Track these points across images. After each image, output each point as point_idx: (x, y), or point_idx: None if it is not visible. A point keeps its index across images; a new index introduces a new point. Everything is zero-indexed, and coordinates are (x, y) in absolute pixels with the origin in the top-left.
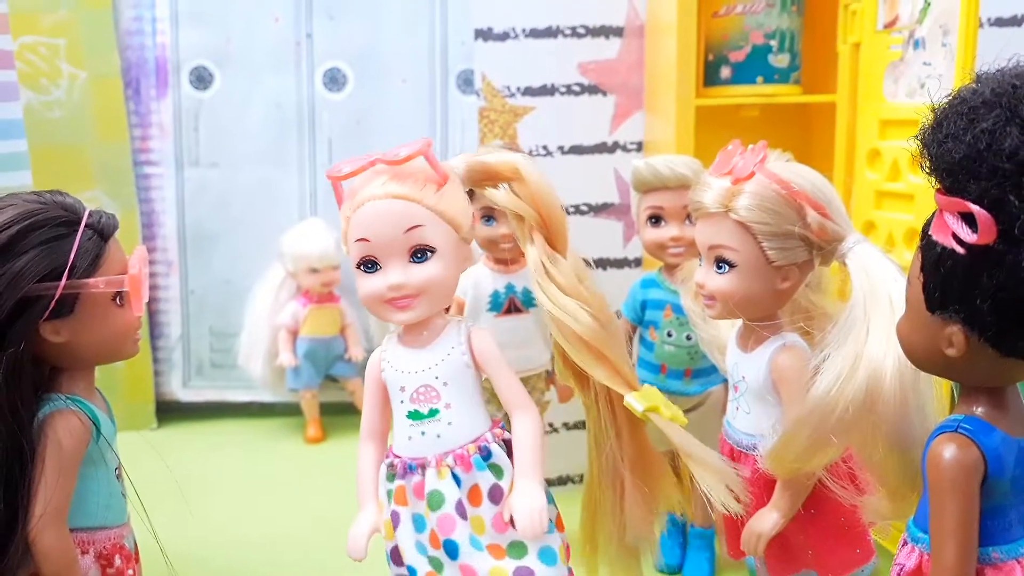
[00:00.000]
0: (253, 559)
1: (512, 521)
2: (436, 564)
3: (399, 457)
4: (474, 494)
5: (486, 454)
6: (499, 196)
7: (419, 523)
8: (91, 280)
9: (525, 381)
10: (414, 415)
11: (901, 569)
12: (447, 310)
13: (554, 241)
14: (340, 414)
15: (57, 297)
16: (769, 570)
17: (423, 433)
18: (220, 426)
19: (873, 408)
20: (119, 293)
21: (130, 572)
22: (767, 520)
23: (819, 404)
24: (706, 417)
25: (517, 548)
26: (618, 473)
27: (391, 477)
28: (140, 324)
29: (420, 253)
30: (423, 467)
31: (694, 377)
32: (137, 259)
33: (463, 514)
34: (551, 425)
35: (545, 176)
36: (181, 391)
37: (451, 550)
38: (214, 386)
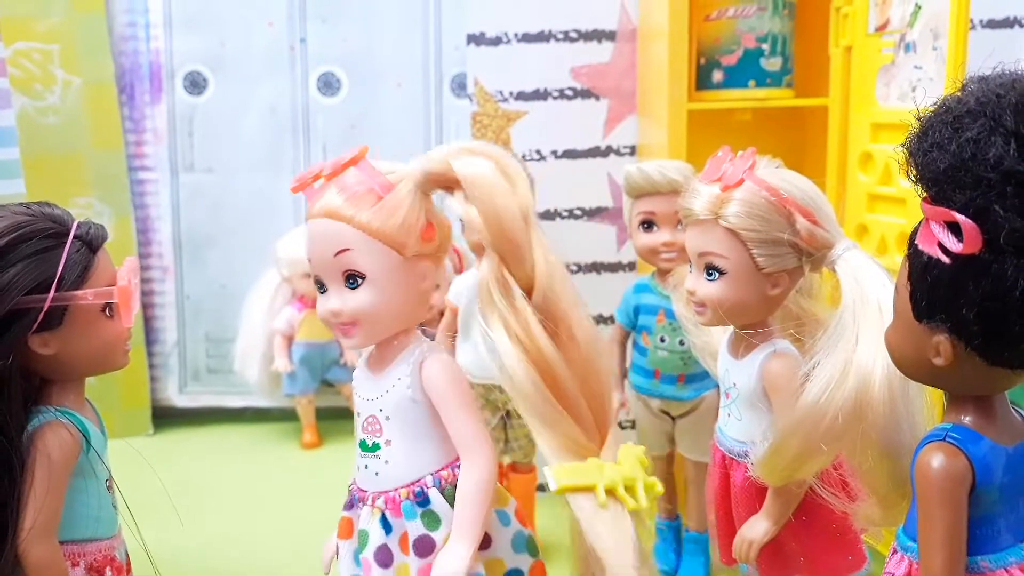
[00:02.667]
0: (249, 565)
1: None
2: None
3: (355, 484)
4: (403, 541)
5: (422, 500)
6: (455, 204)
7: (356, 558)
8: (80, 292)
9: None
10: (363, 445)
11: None
12: (441, 314)
13: (510, 267)
14: (336, 419)
15: (45, 309)
16: None
17: (366, 466)
18: (216, 432)
19: (863, 416)
20: (108, 304)
21: None
22: (759, 527)
23: (809, 412)
24: (699, 423)
25: None
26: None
27: (348, 505)
28: (130, 335)
29: (351, 279)
30: (363, 502)
31: (687, 382)
32: (126, 270)
33: (384, 561)
34: None
35: (506, 191)
36: (177, 397)
37: None
38: (210, 391)
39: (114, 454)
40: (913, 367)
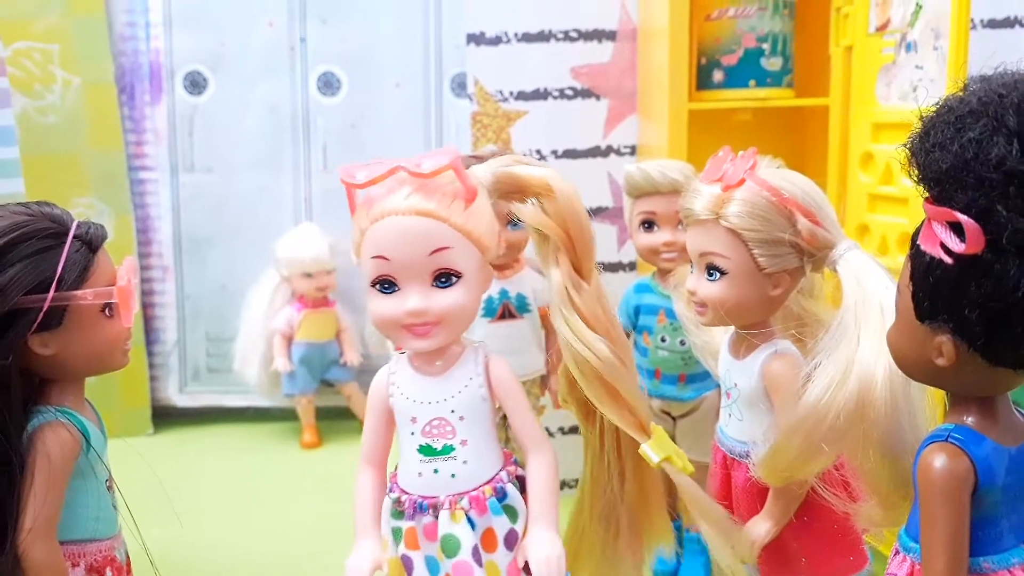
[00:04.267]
0: (248, 565)
1: (527, 568)
2: None
3: (407, 493)
4: (488, 538)
5: (501, 495)
6: (526, 212)
7: (432, 566)
8: (79, 292)
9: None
10: (426, 450)
11: None
12: None
13: (580, 265)
14: (336, 419)
15: (45, 310)
16: None
17: (436, 471)
18: (216, 431)
19: (864, 416)
20: (108, 304)
21: None
22: (760, 528)
23: (810, 412)
24: (700, 423)
25: None
26: (615, 514)
27: (398, 515)
28: (130, 335)
29: (444, 278)
30: (435, 507)
31: (688, 382)
32: (126, 270)
33: (479, 561)
34: (547, 429)
35: (577, 194)
36: (177, 396)
37: None
38: (210, 391)
39: (114, 454)
40: (915, 368)
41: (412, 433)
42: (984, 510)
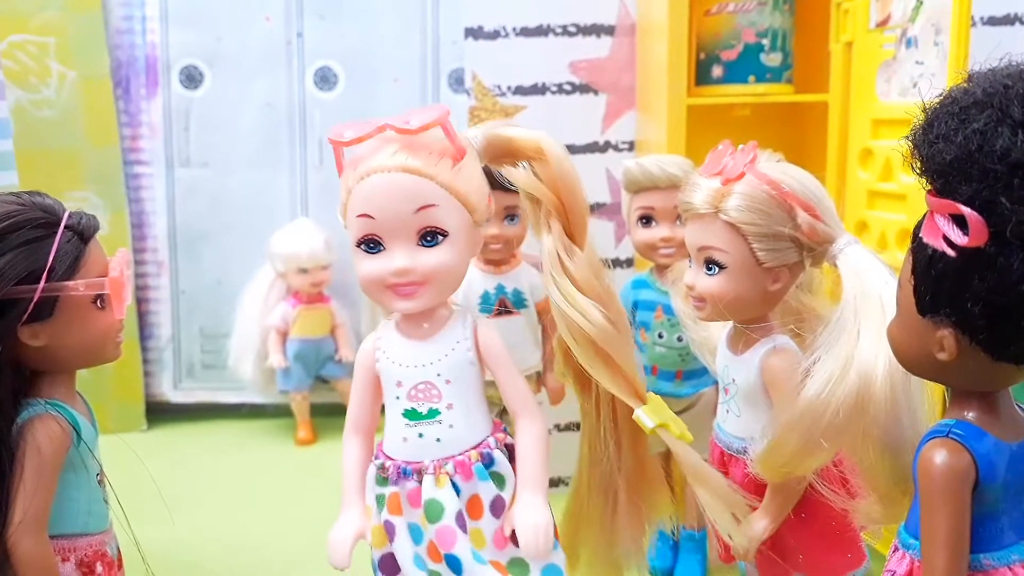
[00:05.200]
0: (242, 562)
1: (513, 537)
2: None
3: (391, 459)
4: (474, 505)
5: (488, 461)
6: (517, 175)
7: (415, 533)
8: (71, 283)
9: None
10: (411, 414)
11: (892, 575)
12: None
13: (572, 231)
14: (331, 415)
15: (36, 300)
16: (761, 574)
17: (420, 435)
18: (210, 427)
19: (864, 411)
20: (100, 296)
21: None
22: (757, 524)
23: (809, 407)
24: (697, 419)
25: (518, 566)
26: (612, 484)
27: (382, 481)
28: (122, 327)
29: (430, 236)
30: (419, 472)
31: (685, 379)
32: (118, 261)
33: (463, 526)
34: None
35: (570, 159)
36: (171, 392)
37: (454, 565)
38: (205, 387)
39: (107, 450)
40: (916, 362)
41: (397, 397)
42: (985, 506)
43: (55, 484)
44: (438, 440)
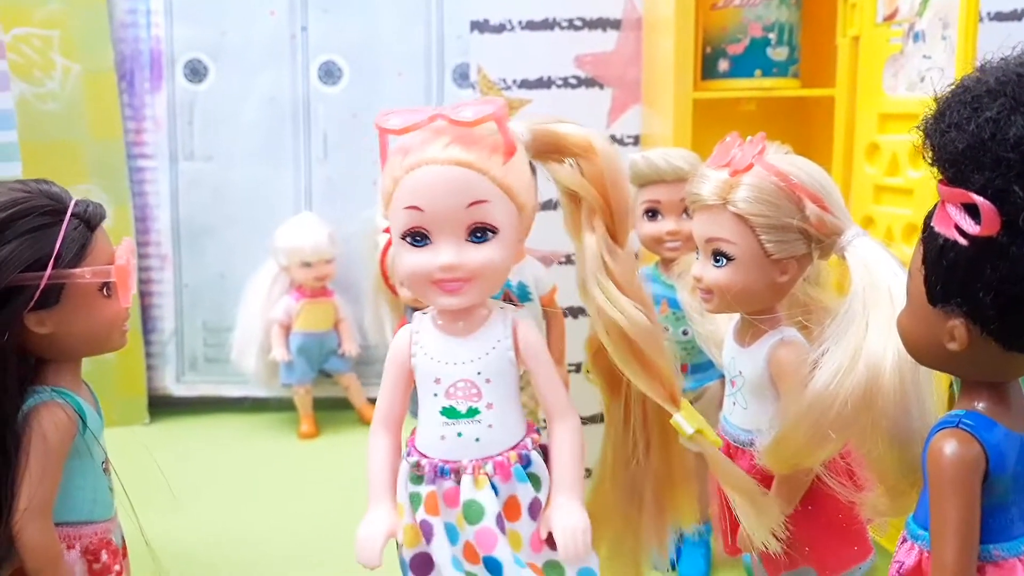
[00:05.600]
0: (245, 555)
1: (549, 539)
2: None
3: (426, 457)
4: (511, 506)
5: (526, 462)
6: (562, 173)
7: (452, 534)
8: (77, 270)
9: (520, 377)
10: (449, 412)
11: (900, 567)
12: None
13: (616, 231)
14: (334, 409)
15: (42, 287)
16: (766, 567)
17: (459, 434)
18: (213, 421)
19: (872, 403)
20: (106, 284)
21: (117, 568)
22: None
23: (818, 399)
24: (702, 413)
25: (554, 569)
26: (638, 488)
27: (417, 479)
28: (128, 315)
29: (480, 232)
30: (457, 472)
31: (690, 373)
32: (124, 250)
33: (503, 528)
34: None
35: (619, 156)
36: (174, 386)
37: (493, 568)
38: (207, 381)
39: (110, 443)
40: (927, 353)
41: (435, 395)
42: (995, 497)
43: (60, 472)
44: (477, 440)
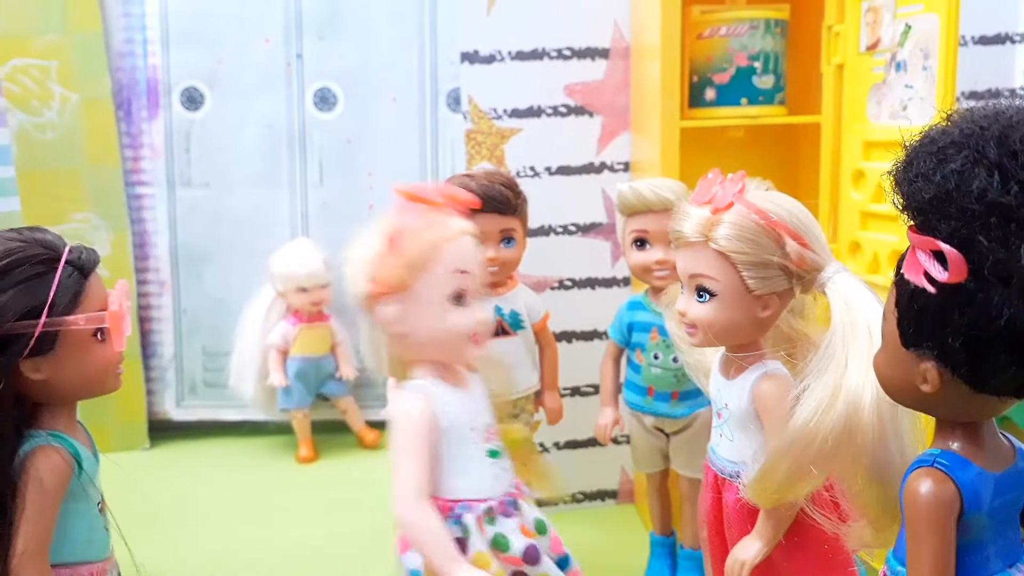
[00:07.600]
0: None
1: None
2: None
3: (482, 500)
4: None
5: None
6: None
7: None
8: (71, 317)
9: (514, 403)
10: (493, 453)
11: None
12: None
13: None
14: (332, 433)
15: (37, 335)
16: None
17: (505, 469)
18: (213, 445)
19: (852, 439)
20: (100, 329)
21: None
22: (750, 548)
23: (799, 435)
24: (693, 440)
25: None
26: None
27: (491, 520)
28: (121, 359)
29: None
30: (515, 502)
31: (681, 399)
32: (118, 295)
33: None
34: (542, 445)
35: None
36: (174, 410)
37: (563, 563)
38: (207, 405)
39: (110, 468)
40: (901, 393)
41: (475, 442)
42: (971, 535)
43: (56, 514)
44: (505, 470)
